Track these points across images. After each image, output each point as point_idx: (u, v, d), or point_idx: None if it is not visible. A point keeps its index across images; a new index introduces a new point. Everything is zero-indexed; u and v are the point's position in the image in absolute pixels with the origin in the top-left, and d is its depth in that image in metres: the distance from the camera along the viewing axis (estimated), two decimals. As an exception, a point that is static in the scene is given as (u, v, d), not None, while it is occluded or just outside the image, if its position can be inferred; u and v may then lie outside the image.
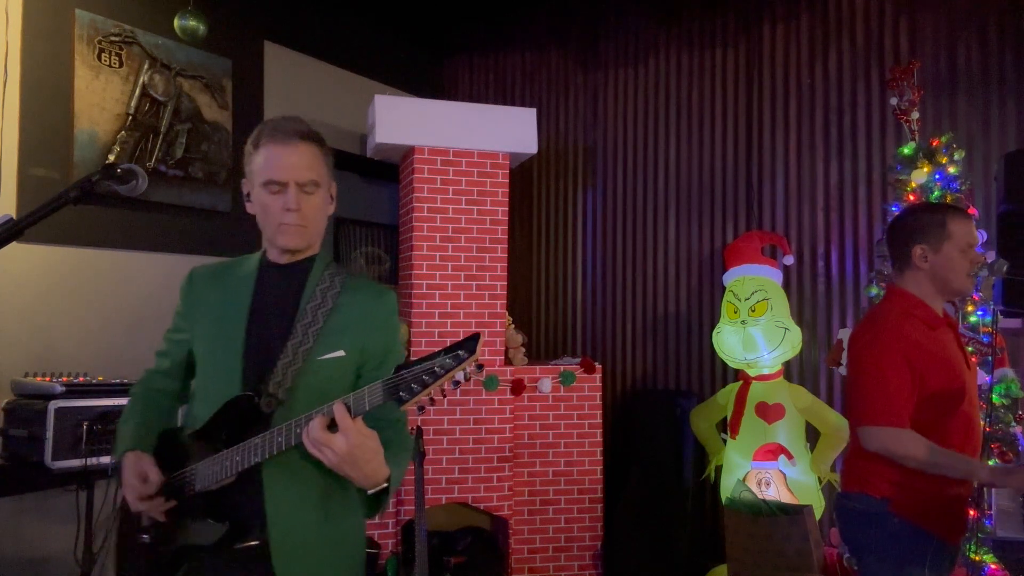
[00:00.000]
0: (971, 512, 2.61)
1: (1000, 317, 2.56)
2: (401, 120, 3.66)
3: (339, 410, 1.28)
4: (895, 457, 1.92)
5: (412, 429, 3.33)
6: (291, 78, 4.00)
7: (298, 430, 1.35)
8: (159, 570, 1.50)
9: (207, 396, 1.52)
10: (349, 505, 1.54)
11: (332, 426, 1.30)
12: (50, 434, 2.50)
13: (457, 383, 1.12)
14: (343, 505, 1.54)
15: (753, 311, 3.50)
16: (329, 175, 1.58)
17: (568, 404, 3.86)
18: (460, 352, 1.23)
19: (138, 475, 1.46)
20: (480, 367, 1.13)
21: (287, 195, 1.48)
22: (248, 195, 1.56)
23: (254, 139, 1.53)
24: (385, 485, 1.38)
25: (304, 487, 1.49)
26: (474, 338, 1.25)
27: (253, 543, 1.45)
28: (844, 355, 3.25)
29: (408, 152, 3.77)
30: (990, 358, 2.71)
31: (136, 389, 1.68)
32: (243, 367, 1.49)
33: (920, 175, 3.05)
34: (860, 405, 2.00)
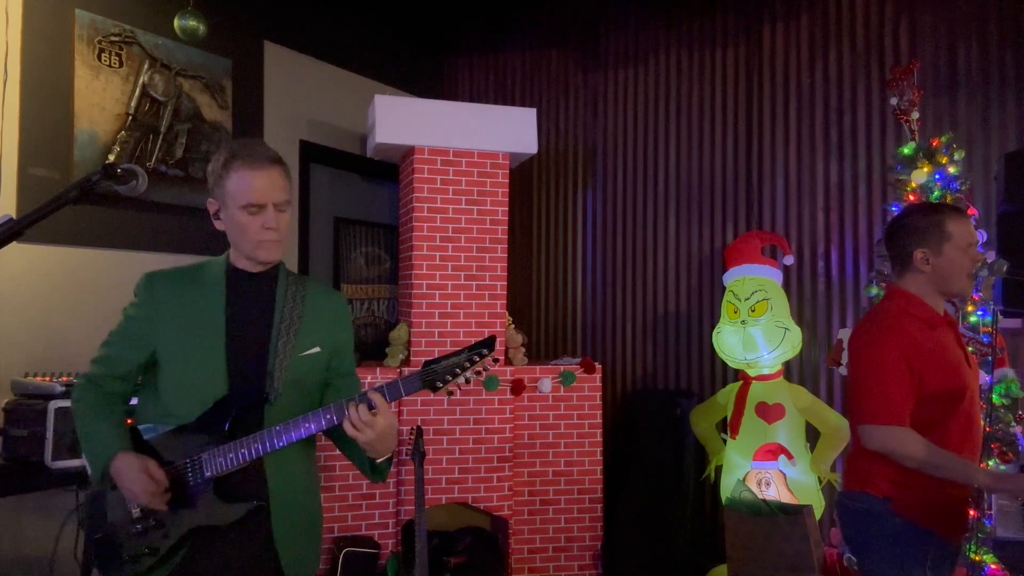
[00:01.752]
0: (971, 512, 2.61)
1: (1000, 317, 2.56)
2: (401, 120, 3.66)
3: (378, 397, 1.55)
4: (894, 456, 1.93)
5: (411, 429, 3.34)
6: (291, 78, 4.00)
7: (328, 416, 1.58)
8: (157, 555, 1.61)
9: (187, 393, 1.65)
10: (316, 479, 1.85)
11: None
12: (50, 434, 2.51)
13: (479, 374, 1.43)
14: (315, 479, 1.83)
15: (753, 311, 3.50)
16: (292, 192, 1.76)
17: (568, 404, 3.86)
18: (484, 350, 1.57)
19: (144, 471, 1.56)
20: (495, 360, 1.36)
21: (266, 215, 1.65)
22: (217, 212, 1.70)
23: (224, 162, 1.66)
24: (389, 455, 1.67)
25: (296, 466, 1.72)
26: (492, 338, 1.60)
27: (256, 503, 1.64)
28: (844, 355, 3.25)
29: (408, 152, 3.77)
30: (990, 358, 2.71)
31: (88, 394, 1.71)
32: (227, 365, 1.65)
33: (920, 175, 3.05)
34: (860, 404, 2.01)
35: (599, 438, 3.88)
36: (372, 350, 4.17)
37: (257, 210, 1.64)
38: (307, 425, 1.58)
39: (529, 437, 3.81)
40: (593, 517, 3.85)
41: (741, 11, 4.14)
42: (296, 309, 1.73)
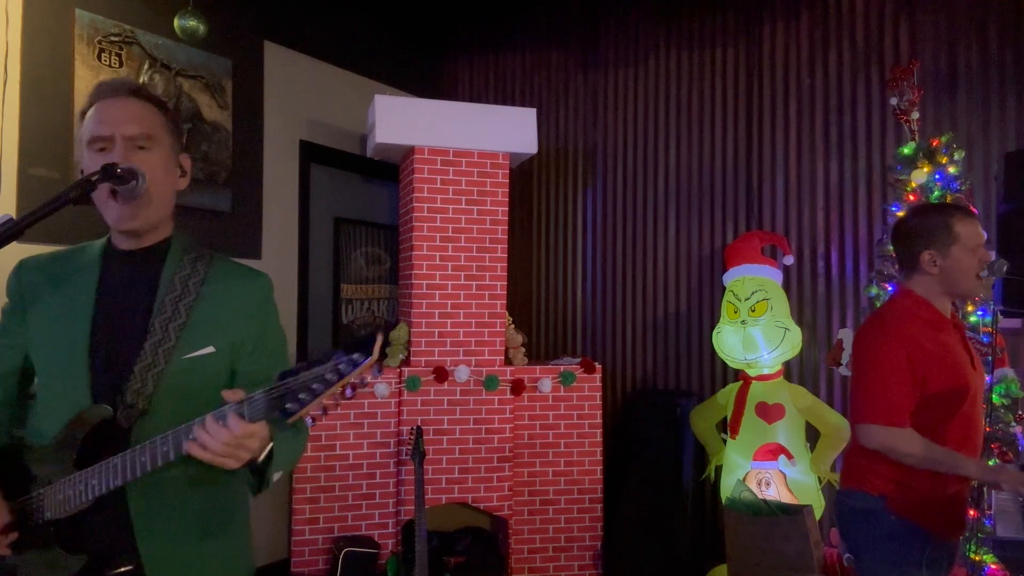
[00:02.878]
0: (971, 512, 2.61)
1: (1000, 317, 2.56)
2: (401, 120, 3.66)
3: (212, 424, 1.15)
4: (893, 454, 1.93)
5: (411, 429, 3.33)
6: (291, 78, 4.00)
7: (164, 448, 1.18)
8: None
9: (50, 409, 1.33)
10: (233, 518, 1.43)
11: None
12: (50, 434, 2.50)
13: (354, 388, 0.99)
14: (225, 519, 1.41)
15: (753, 311, 3.50)
16: (173, 140, 1.40)
17: (568, 404, 3.86)
18: (355, 356, 1.07)
19: None
20: (379, 370, 0.97)
21: (113, 152, 1.30)
22: (83, 172, 1.34)
23: (84, 107, 1.37)
24: (270, 449, 1.24)
25: (177, 505, 1.33)
26: (371, 339, 1.08)
27: (124, 569, 1.29)
28: (844, 355, 3.26)
29: (408, 152, 3.77)
30: (990, 358, 2.72)
31: None
32: (91, 374, 1.31)
33: (920, 175, 3.05)
34: (860, 403, 2.01)
35: (599, 438, 3.88)
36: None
37: (103, 144, 1.29)
38: (142, 460, 1.19)
39: (529, 437, 3.81)
40: (593, 517, 3.85)
41: (741, 11, 4.14)
42: (186, 298, 1.35)
